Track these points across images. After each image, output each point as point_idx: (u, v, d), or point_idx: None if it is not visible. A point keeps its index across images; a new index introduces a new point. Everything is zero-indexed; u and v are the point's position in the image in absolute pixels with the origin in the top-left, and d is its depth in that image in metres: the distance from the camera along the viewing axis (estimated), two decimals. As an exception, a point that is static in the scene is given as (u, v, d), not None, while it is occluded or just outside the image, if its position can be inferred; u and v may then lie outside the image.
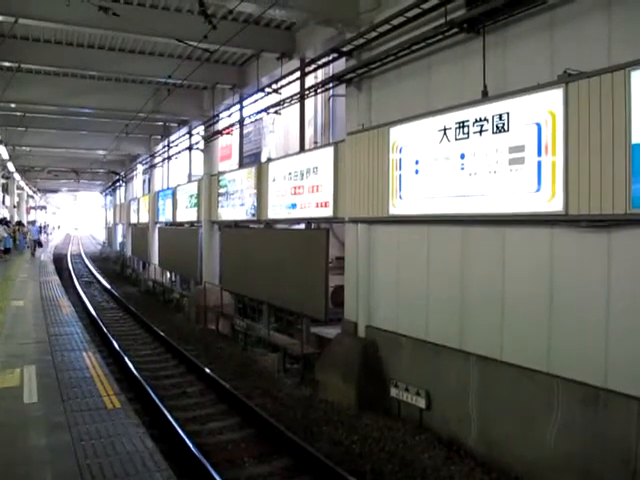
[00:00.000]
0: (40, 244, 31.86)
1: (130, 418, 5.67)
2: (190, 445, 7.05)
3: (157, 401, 8.82)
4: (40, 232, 34.48)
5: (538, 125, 6.06)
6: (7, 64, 14.11)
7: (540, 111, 6.03)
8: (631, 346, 5.43)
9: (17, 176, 38.45)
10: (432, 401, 7.96)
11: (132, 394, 9.32)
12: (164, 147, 24.15)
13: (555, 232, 6.19)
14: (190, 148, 19.99)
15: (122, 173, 35.61)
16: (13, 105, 18.20)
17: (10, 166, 32.05)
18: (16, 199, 46.40)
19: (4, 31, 12.54)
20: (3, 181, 38.60)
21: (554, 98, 5.87)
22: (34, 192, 56.51)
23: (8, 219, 33.68)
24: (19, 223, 35.37)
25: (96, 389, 6.55)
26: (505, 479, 6.53)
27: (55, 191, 65.67)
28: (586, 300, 5.88)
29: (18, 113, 20.36)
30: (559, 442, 6.12)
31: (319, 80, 12.36)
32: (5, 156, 26.69)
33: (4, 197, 41.15)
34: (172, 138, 23.17)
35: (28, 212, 53.89)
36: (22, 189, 48.23)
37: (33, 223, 33.05)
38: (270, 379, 10.80)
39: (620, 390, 5.50)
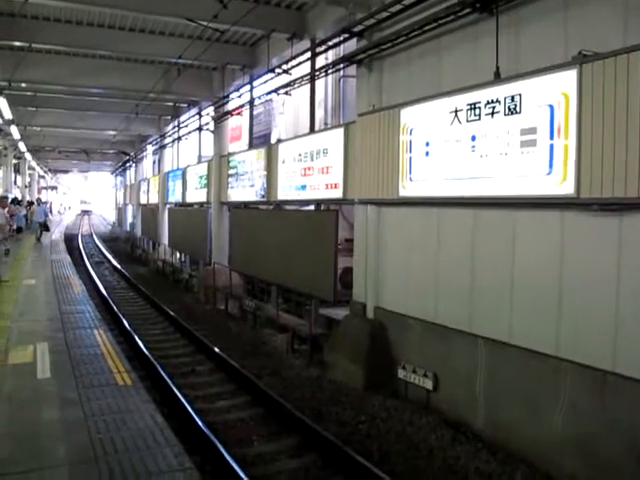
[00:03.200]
0: (47, 228, 26.33)
1: (140, 395, 5.75)
2: (199, 422, 7.16)
3: (167, 379, 8.94)
4: (50, 213, 31.71)
5: (551, 107, 5.99)
6: (18, 44, 14.07)
7: (553, 93, 5.96)
8: (640, 330, 5.43)
9: (28, 156, 38.60)
10: (439, 383, 8.00)
11: (142, 372, 9.44)
12: (174, 128, 24.15)
13: (566, 215, 6.16)
14: (200, 129, 19.94)
15: (132, 154, 35.65)
16: (24, 85, 18.20)
17: (21, 146, 32.16)
18: (27, 179, 46.65)
19: (15, 10, 12.52)
20: (15, 161, 38.74)
21: (568, 79, 5.80)
22: (45, 172, 56.80)
23: (19, 199, 33.76)
24: (30, 203, 35.57)
25: (107, 366, 6.64)
26: (511, 461, 6.58)
27: (66, 171, 65.98)
28: (596, 284, 5.87)
29: (29, 93, 20.39)
30: (566, 425, 6.15)
31: (330, 61, 12.23)
32: (17, 136, 26.79)
33: (16, 177, 41.34)
34: (182, 119, 23.14)
35: (39, 192, 54.14)
36: (33, 169, 48.45)
37: (39, 202, 29.07)
38: (279, 359, 10.90)
39: (628, 374, 5.50)
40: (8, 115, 20.20)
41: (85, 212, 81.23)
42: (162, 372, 9.29)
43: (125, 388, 5.91)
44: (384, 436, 7.34)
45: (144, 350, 10.63)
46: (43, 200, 35.78)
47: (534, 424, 6.52)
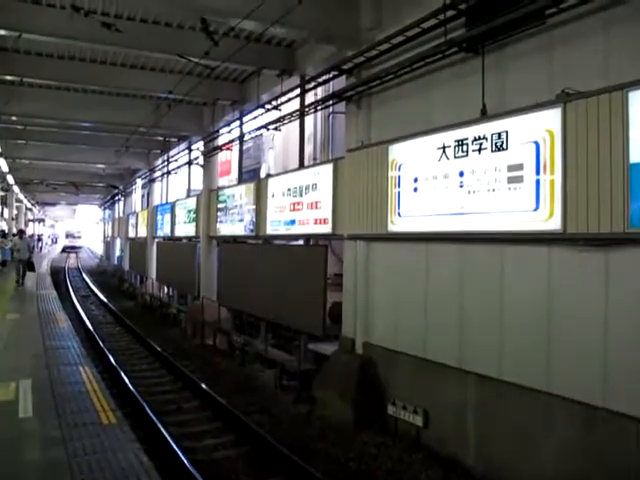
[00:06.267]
0: (32, 267, 20.77)
1: (125, 433, 5.62)
2: (185, 461, 6.99)
3: (152, 416, 8.75)
4: (33, 249, 26.07)
5: (536, 144, 6.10)
6: (9, 78, 14.20)
7: (538, 130, 6.08)
8: (630, 365, 5.42)
9: (16, 189, 38.52)
10: (430, 419, 7.90)
11: (128, 409, 9.24)
12: (163, 162, 24.23)
13: (553, 251, 6.21)
14: (189, 163, 20.06)
15: (121, 187, 35.67)
16: (14, 118, 18.28)
17: (9, 179, 32.10)
18: (15, 212, 46.42)
19: (7, 45, 12.64)
20: (2, 193, 38.59)
21: (552, 117, 5.92)
22: (33, 205, 56.56)
23: (6, 231, 33.53)
24: (14, 235, 35.33)
25: (92, 404, 6.51)
26: (503, 499, 6.48)
27: (54, 204, 65.68)
28: (584, 318, 5.87)
29: (19, 126, 20.47)
30: (557, 461, 6.08)
31: (319, 97, 12.44)
32: (5, 169, 26.76)
33: (3, 209, 41.12)
34: (171, 153, 23.24)
35: (26, 225, 53.79)
36: (21, 202, 48.26)
37: (21, 235, 22.01)
38: (267, 395, 10.72)
39: (618, 410, 5.47)
40: (-4, 148, 20.25)
41: (71, 249, 64.33)
42: (148, 409, 9.10)
43: (110, 427, 5.78)
44: (374, 473, 7.21)
45: (130, 387, 10.43)
46: (29, 233, 34.96)
47: (526, 460, 6.44)
